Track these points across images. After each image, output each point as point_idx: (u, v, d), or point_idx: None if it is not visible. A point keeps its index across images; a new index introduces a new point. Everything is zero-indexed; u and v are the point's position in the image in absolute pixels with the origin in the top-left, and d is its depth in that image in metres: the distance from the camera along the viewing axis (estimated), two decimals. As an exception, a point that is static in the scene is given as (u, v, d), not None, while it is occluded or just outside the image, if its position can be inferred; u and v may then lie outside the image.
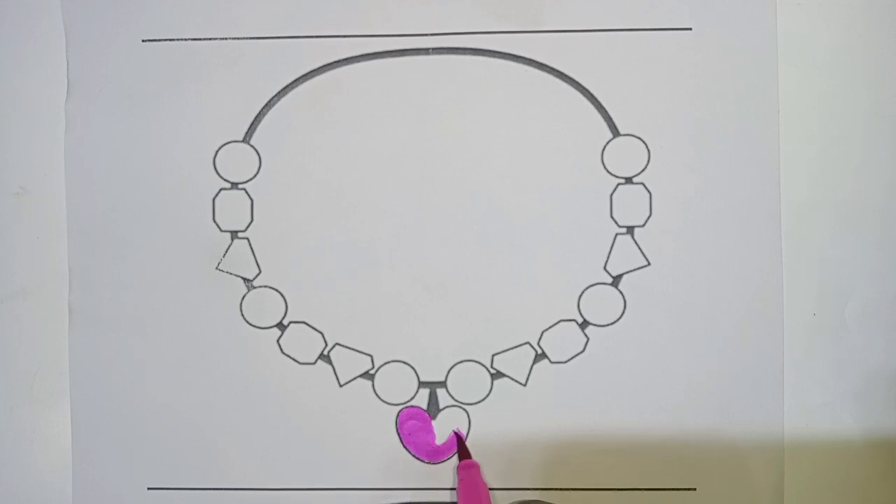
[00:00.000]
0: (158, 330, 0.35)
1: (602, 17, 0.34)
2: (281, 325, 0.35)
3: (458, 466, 0.33)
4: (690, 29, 0.34)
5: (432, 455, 0.34)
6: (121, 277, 0.35)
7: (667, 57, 0.34)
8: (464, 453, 0.34)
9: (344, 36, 0.35)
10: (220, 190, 0.35)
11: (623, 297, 0.34)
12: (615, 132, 0.34)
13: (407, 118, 0.35)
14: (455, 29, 0.35)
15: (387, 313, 0.34)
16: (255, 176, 0.35)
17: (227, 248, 0.35)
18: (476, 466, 0.33)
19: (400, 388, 0.34)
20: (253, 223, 0.35)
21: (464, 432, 0.34)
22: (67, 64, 0.35)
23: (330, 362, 0.35)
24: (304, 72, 0.35)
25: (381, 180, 0.35)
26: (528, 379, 0.34)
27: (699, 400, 0.34)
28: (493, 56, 0.34)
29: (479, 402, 0.34)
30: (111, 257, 0.35)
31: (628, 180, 0.34)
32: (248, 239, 0.35)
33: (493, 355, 0.34)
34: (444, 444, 0.34)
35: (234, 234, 0.35)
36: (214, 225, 0.35)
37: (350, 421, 0.34)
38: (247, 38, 0.35)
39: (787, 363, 0.34)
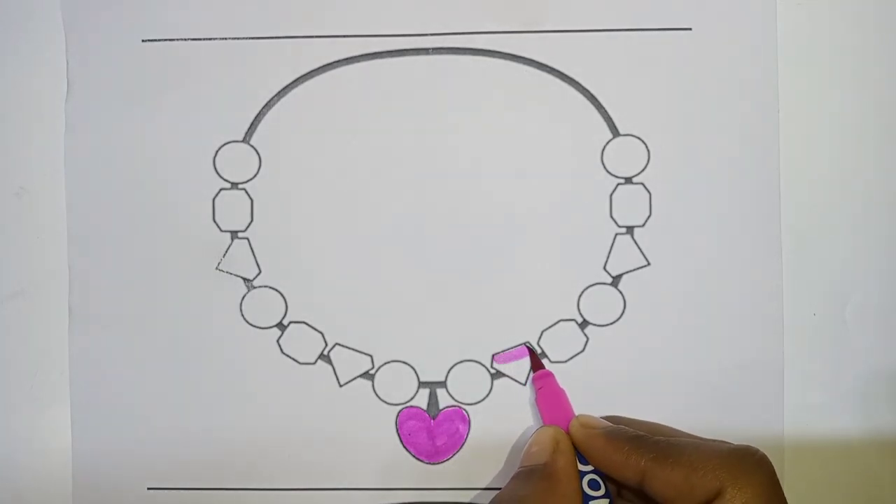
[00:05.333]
0: (158, 330, 0.35)
1: (602, 17, 0.34)
2: (281, 325, 0.35)
3: (532, 377, 0.34)
4: (690, 29, 0.34)
5: (432, 455, 0.34)
6: (121, 277, 0.35)
7: (667, 57, 0.34)
8: (537, 364, 0.34)
9: (344, 36, 0.35)
10: (220, 190, 0.35)
11: (623, 296, 0.34)
12: (615, 132, 0.34)
13: (407, 118, 0.35)
14: (455, 29, 0.35)
15: (387, 313, 0.34)
16: (255, 176, 0.35)
17: (227, 248, 0.35)
18: (552, 375, 0.33)
19: (400, 388, 0.34)
20: (253, 223, 0.35)
21: (535, 348, 0.34)
22: (67, 64, 0.35)
23: (330, 362, 0.35)
24: (304, 72, 0.35)
25: (381, 180, 0.35)
26: (528, 379, 0.34)
27: (699, 400, 0.34)
28: (494, 56, 0.34)
29: (479, 402, 0.34)
30: (111, 257, 0.35)
31: (628, 180, 0.34)
32: (248, 239, 0.35)
33: (493, 355, 0.34)
34: (444, 444, 0.34)
35: (234, 234, 0.35)
36: (214, 225, 0.35)
37: (350, 421, 0.34)
38: (247, 38, 0.35)
39: (787, 363, 0.34)
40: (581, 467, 0.30)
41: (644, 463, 0.27)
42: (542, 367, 0.34)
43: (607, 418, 0.32)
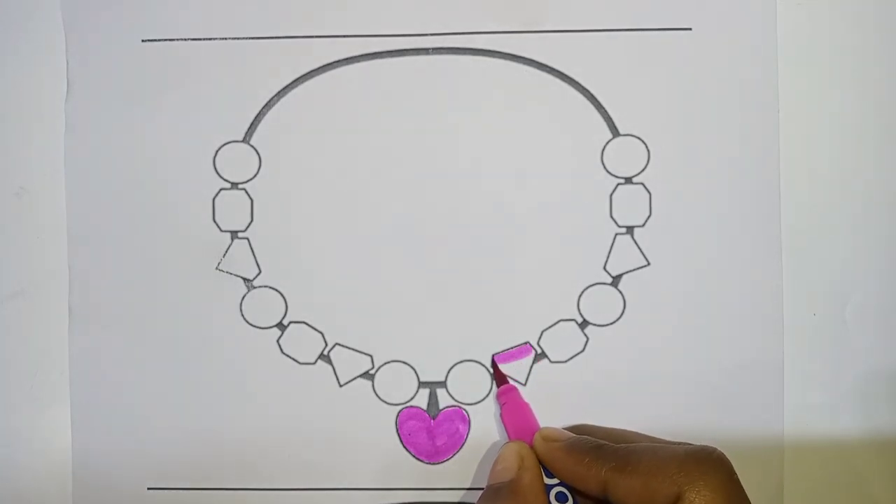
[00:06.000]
0: (158, 330, 0.35)
1: (602, 17, 0.34)
2: (281, 325, 0.35)
3: (497, 393, 0.34)
4: (690, 29, 0.34)
5: (432, 455, 0.34)
6: (121, 277, 0.35)
7: (667, 57, 0.34)
8: (501, 379, 0.34)
9: (344, 36, 0.35)
10: (220, 190, 0.35)
11: (623, 296, 0.34)
12: (615, 132, 0.34)
13: (407, 118, 0.35)
14: (455, 29, 0.35)
15: (387, 313, 0.34)
16: (255, 176, 0.35)
17: (227, 248, 0.35)
18: (515, 389, 0.33)
19: (400, 388, 0.34)
20: (253, 223, 0.35)
21: (497, 359, 0.34)
22: (67, 64, 0.35)
23: (330, 362, 0.35)
24: (304, 72, 0.35)
25: (381, 180, 0.35)
26: (527, 379, 0.34)
27: (699, 400, 0.34)
28: (494, 56, 0.34)
29: (479, 402, 0.34)
30: (111, 257, 0.35)
31: (628, 180, 0.34)
32: (248, 239, 0.35)
33: (493, 355, 0.34)
34: (444, 444, 0.34)
35: (234, 234, 0.35)
36: (214, 225, 0.35)
37: (350, 421, 0.34)
38: (247, 38, 0.35)
39: (787, 363, 0.34)
40: (548, 481, 0.30)
41: (605, 473, 0.27)
42: (505, 381, 0.34)
43: (571, 428, 0.32)
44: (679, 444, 0.28)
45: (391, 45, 0.35)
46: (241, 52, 0.35)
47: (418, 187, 0.34)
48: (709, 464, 0.26)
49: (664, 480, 0.26)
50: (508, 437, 0.33)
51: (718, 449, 0.27)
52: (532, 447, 0.31)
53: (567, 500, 0.29)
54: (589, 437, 0.30)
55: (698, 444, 0.28)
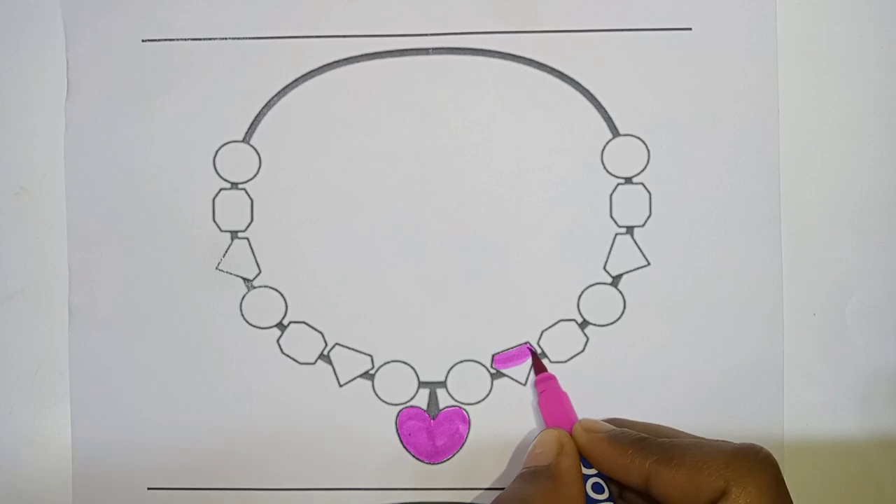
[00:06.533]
0: (158, 330, 0.35)
1: (602, 17, 0.34)
2: (281, 325, 0.35)
3: (536, 380, 0.34)
4: (690, 29, 0.34)
5: (432, 455, 0.34)
6: (121, 277, 0.35)
7: (667, 57, 0.34)
8: (539, 367, 0.34)
9: (344, 36, 0.35)
10: (220, 190, 0.35)
11: (623, 296, 0.34)
12: (615, 132, 0.34)
13: (407, 118, 0.35)
14: (455, 29, 0.35)
15: (387, 313, 0.34)
16: (255, 176, 0.35)
17: (227, 248, 0.35)
18: (554, 378, 0.33)
19: (400, 388, 0.34)
20: (253, 223, 0.35)
21: (535, 348, 0.34)
22: (67, 64, 0.35)
23: (330, 362, 0.35)
24: (304, 72, 0.35)
25: (382, 180, 0.35)
26: (528, 379, 0.34)
27: (699, 400, 0.34)
28: (493, 56, 0.34)
29: (479, 402, 0.34)
30: (111, 257, 0.35)
31: (628, 180, 0.34)
32: (248, 239, 0.35)
33: (493, 355, 0.34)
34: (444, 444, 0.34)
35: (234, 234, 0.35)
36: (214, 225, 0.35)
37: (350, 421, 0.34)
38: (247, 38, 0.35)
39: (787, 363, 0.34)
40: (585, 471, 0.30)
41: (648, 465, 0.27)
42: (544, 369, 0.34)
43: (609, 420, 0.32)
44: (723, 441, 0.28)
45: (391, 45, 0.35)
46: (241, 52, 0.35)
47: (418, 187, 0.34)
48: (756, 462, 0.26)
49: (710, 475, 0.26)
50: (546, 425, 0.33)
51: (766, 448, 0.27)
52: (571, 436, 0.31)
53: (603, 491, 0.29)
54: (630, 430, 0.30)
55: (745, 441, 0.28)
